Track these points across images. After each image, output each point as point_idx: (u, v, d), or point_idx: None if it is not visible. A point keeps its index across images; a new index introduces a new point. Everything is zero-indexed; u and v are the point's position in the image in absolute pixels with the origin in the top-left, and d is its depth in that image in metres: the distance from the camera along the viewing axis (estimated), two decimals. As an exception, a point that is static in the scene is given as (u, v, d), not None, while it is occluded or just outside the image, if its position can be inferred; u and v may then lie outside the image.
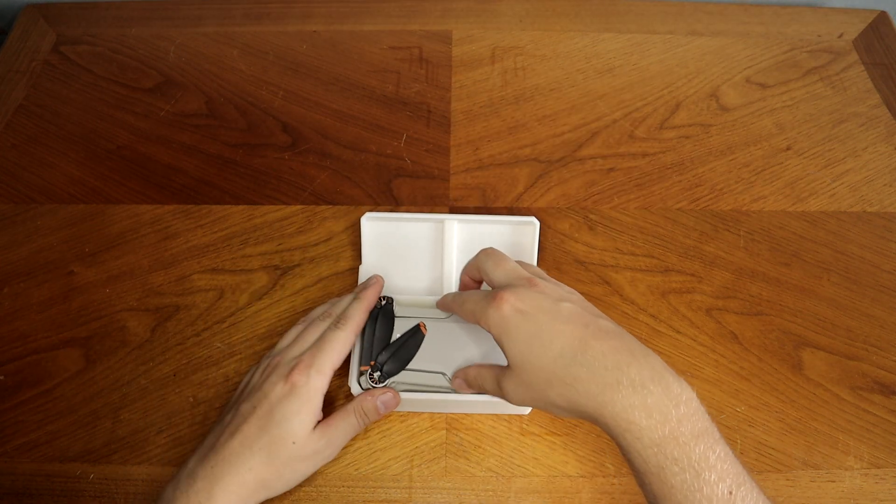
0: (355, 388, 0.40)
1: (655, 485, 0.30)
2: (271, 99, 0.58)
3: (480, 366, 0.39)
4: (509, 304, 0.34)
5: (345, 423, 0.38)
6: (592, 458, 0.42)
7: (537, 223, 0.44)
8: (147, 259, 0.49)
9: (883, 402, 0.44)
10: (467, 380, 0.39)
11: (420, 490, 0.41)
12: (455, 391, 0.41)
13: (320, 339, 0.39)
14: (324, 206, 0.52)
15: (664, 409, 0.30)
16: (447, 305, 0.42)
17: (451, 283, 0.46)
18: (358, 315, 0.40)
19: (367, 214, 0.45)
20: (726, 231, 0.51)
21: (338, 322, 0.40)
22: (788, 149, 0.56)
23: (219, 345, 0.46)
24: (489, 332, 0.36)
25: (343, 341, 0.39)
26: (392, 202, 0.53)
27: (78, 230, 0.51)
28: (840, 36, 0.65)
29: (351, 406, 0.39)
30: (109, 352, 0.45)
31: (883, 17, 0.65)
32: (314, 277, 0.49)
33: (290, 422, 0.36)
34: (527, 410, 0.43)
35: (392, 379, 0.41)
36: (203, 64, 0.61)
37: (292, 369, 0.37)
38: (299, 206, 0.52)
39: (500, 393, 0.37)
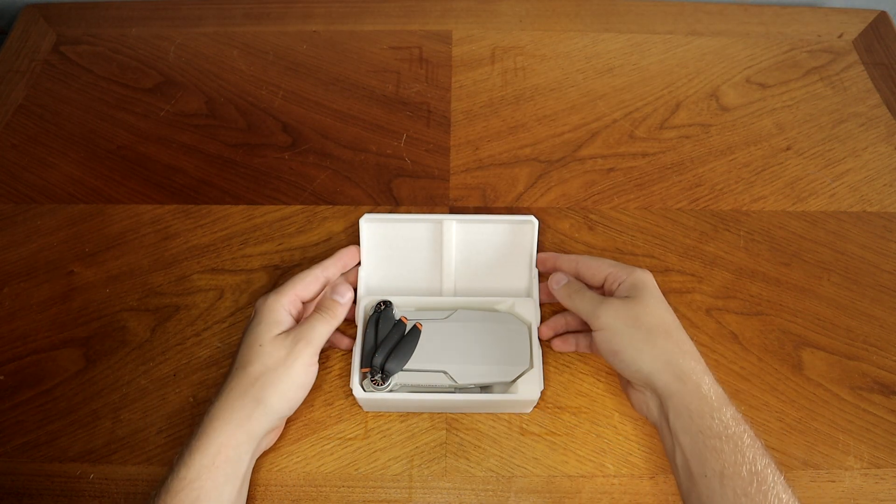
0: (357, 391, 0.40)
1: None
2: (271, 99, 0.58)
3: (580, 283, 0.43)
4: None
5: (309, 321, 0.40)
6: (592, 458, 0.42)
7: (536, 222, 0.44)
8: (147, 259, 0.49)
9: (883, 402, 0.44)
10: (569, 288, 0.42)
11: (420, 490, 0.41)
12: (454, 388, 0.41)
13: None
14: (324, 206, 0.52)
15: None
16: (570, 263, 0.44)
17: (451, 283, 0.46)
18: (326, 261, 0.43)
19: (366, 216, 0.44)
20: (726, 231, 0.51)
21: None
22: (788, 149, 0.56)
23: (219, 345, 0.46)
24: (622, 280, 0.41)
25: (306, 273, 0.42)
26: (392, 202, 0.53)
27: (78, 230, 0.51)
28: (840, 36, 0.65)
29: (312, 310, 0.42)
30: (109, 352, 0.45)
31: (883, 17, 0.65)
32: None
33: (252, 332, 0.39)
34: (529, 409, 0.43)
35: (394, 379, 0.41)
36: (203, 64, 0.61)
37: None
38: (299, 206, 0.52)
39: (591, 314, 0.40)
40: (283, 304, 0.40)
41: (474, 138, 0.56)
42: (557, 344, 0.45)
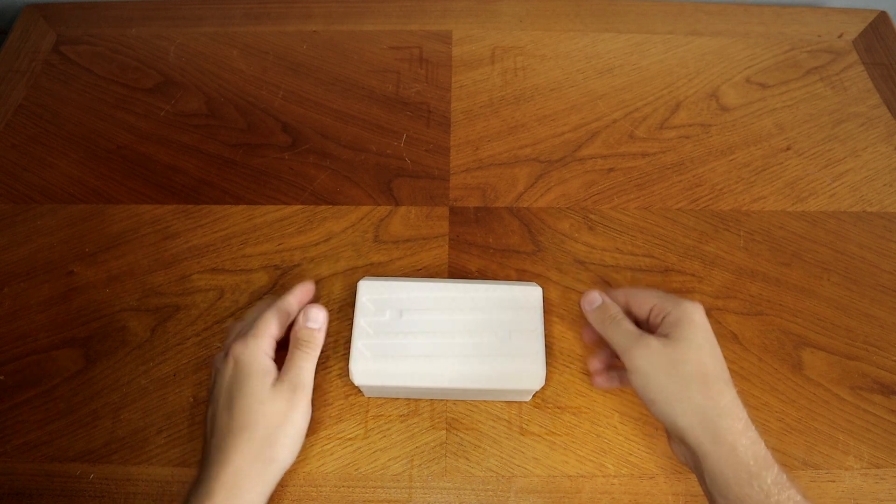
0: (357, 377, 0.40)
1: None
2: (271, 99, 0.58)
3: (618, 309, 0.40)
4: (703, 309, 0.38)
5: (295, 362, 0.38)
6: (592, 458, 0.42)
7: (540, 289, 0.43)
8: (147, 259, 0.49)
9: (883, 402, 0.44)
10: (603, 313, 0.39)
11: (420, 490, 0.41)
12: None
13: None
14: (324, 206, 0.52)
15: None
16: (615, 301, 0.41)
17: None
18: (286, 295, 0.41)
19: (364, 280, 0.43)
20: (726, 231, 0.51)
21: (270, 302, 0.41)
22: (788, 149, 0.56)
23: (219, 345, 0.46)
24: (666, 313, 0.38)
25: (271, 311, 0.40)
26: (392, 202, 0.53)
27: (78, 230, 0.51)
28: (840, 36, 0.65)
29: (290, 345, 0.40)
30: (109, 352, 0.45)
31: (883, 17, 0.65)
32: (314, 277, 0.49)
33: (244, 388, 0.36)
34: (528, 397, 0.43)
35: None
36: (203, 64, 0.61)
37: (230, 346, 0.38)
38: (299, 206, 0.52)
39: (625, 352, 0.37)
40: (263, 350, 0.38)
41: (474, 138, 0.56)
42: (599, 381, 0.43)
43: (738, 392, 0.36)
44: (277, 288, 0.48)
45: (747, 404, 0.44)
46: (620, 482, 0.41)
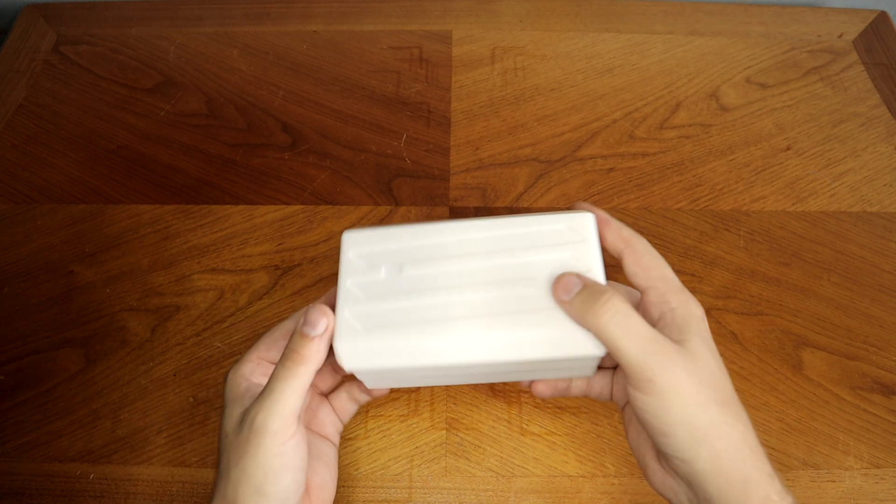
0: (346, 361, 0.31)
1: None
2: (271, 99, 0.58)
3: (615, 292, 0.28)
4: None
5: (268, 384, 0.29)
6: (592, 458, 0.42)
7: (591, 216, 0.32)
8: (147, 259, 0.49)
9: (883, 402, 0.44)
10: (592, 302, 0.28)
11: (420, 490, 0.41)
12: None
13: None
14: (324, 206, 0.52)
15: None
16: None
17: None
18: (298, 313, 0.34)
19: (350, 231, 0.34)
20: (726, 231, 0.51)
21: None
22: (788, 149, 0.56)
23: (219, 345, 0.46)
24: (671, 308, 0.29)
25: (276, 327, 0.34)
26: (392, 202, 0.53)
27: (78, 230, 0.51)
28: (840, 36, 0.65)
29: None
30: (109, 352, 0.45)
31: (883, 17, 0.65)
32: (314, 277, 0.49)
33: (222, 415, 0.31)
34: (590, 370, 0.33)
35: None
36: (203, 64, 0.61)
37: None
38: (299, 206, 0.52)
39: (642, 363, 0.27)
40: (243, 375, 0.32)
41: (474, 138, 0.56)
42: (542, 389, 0.35)
43: (737, 392, 0.30)
44: (277, 288, 0.48)
45: (747, 404, 0.44)
46: (620, 482, 0.41)
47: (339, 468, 0.42)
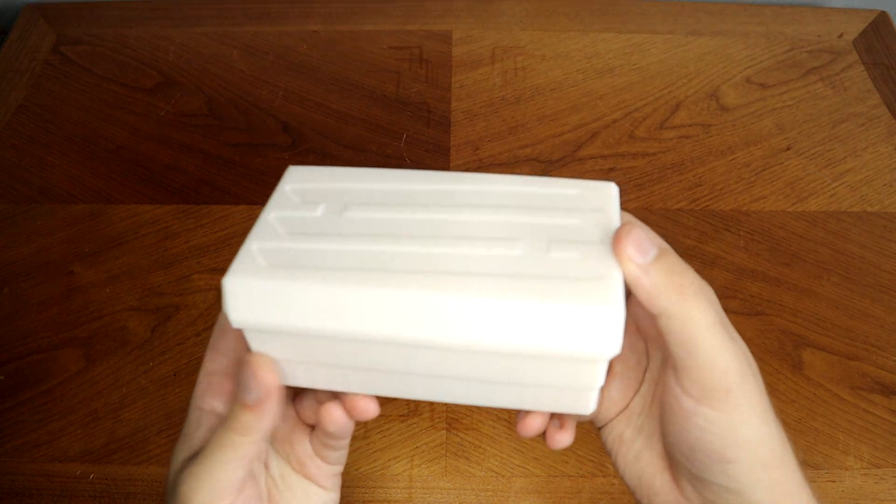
0: (231, 286, 0.21)
1: None
2: (271, 99, 0.58)
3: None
4: None
5: (200, 453, 0.23)
6: (592, 458, 0.42)
7: (615, 187, 0.26)
8: (147, 259, 0.49)
9: (883, 402, 0.44)
10: (675, 268, 0.22)
11: (420, 490, 0.41)
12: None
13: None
14: (324, 206, 0.52)
15: None
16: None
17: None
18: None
19: (297, 167, 0.26)
20: (726, 231, 0.51)
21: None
22: (788, 149, 0.56)
23: (219, 345, 0.46)
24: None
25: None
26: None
27: (78, 230, 0.51)
28: (840, 36, 0.65)
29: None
30: (109, 352, 0.45)
31: (883, 17, 0.65)
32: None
33: None
34: (594, 381, 0.23)
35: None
36: (203, 64, 0.61)
37: None
38: (299, 206, 0.52)
39: (727, 368, 0.21)
40: (195, 403, 0.25)
41: (474, 138, 0.56)
42: (562, 439, 0.28)
43: None
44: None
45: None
46: (620, 482, 0.41)
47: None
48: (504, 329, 0.20)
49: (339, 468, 0.28)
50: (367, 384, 0.24)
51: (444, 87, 0.59)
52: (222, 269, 0.50)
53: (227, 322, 0.23)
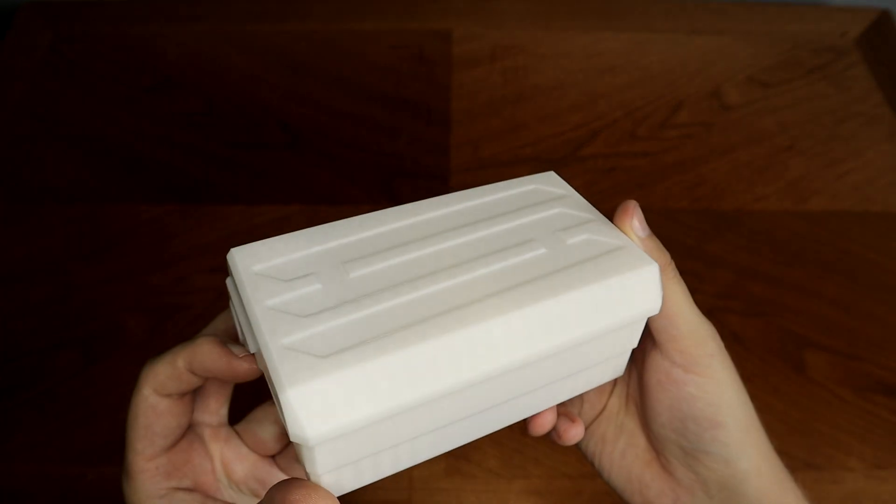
0: (300, 401, 0.18)
1: None
2: (271, 99, 0.58)
3: None
4: None
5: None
6: (593, 459, 0.42)
7: (553, 173, 0.28)
8: (146, 259, 0.49)
9: (886, 403, 0.44)
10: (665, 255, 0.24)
11: (420, 490, 0.41)
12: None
13: None
14: (324, 206, 0.52)
15: None
16: None
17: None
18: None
19: (238, 248, 0.23)
20: (728, 231, 0.51)
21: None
22: (790, 148, 0.56)
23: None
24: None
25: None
26: (392, 202, 0.52)
27: (78, 230, 0.51)
28: (842, 35, 0.64)
29: None
30: (108, 352, 0.45)
31: (885, 15, 0.65)
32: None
33: None
34: (635, 337, 0.25)
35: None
36: (203, 63, 0.61)
37: None
38: (299, 206, 0.52)
39: (698, 340, 0.24)
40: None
41: (475, 138, 0.56)
42: (575, 433, 0.27)
43: None
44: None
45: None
46: (621, 483, 0.41)
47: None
48: (569, 324, 0.21)
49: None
50: (434, 445, 0.22)
51: (445, 87, 0.59)
52: (221, 269, 0.50)
53: (156, 405, 0.23)
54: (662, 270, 0.23)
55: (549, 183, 0.27)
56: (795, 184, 0.54)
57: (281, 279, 0.21)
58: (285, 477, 0.25)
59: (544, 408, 0.25)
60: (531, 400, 0.23)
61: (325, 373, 0.17)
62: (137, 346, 0.45)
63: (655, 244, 0.25)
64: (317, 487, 0.18)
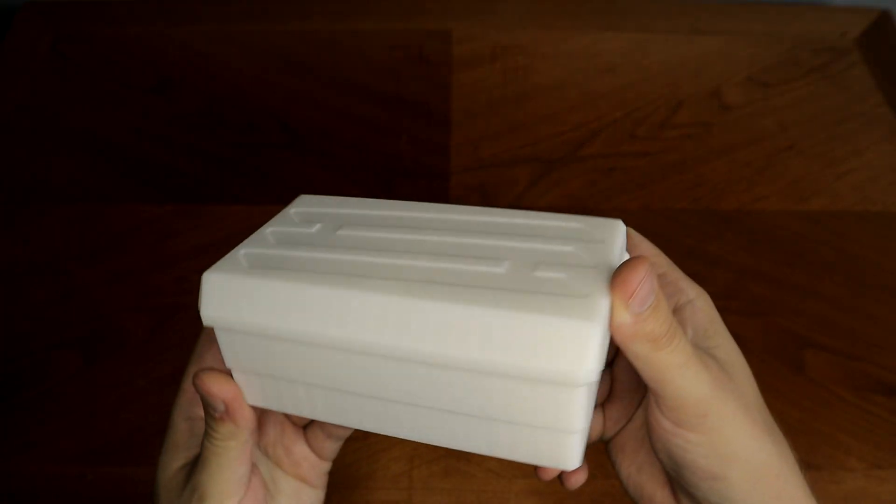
0: (209, 283, 0.22)
1: None
2: (271, 99, 0.58)
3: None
4: None
5: (204, 446, 0.24)
6: (593, 459, 0.42)
7: (622, 226, 0.24)
8: (147, 259, 0.49)
9: (886, 403, 0.44)
10: (666, 325, 0.19)
11: (420, 490, 0.41)
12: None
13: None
14: (324, 206, 0.52)
15: None
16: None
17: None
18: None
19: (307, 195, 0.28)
20: (728, 231, 0.51)
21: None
22: (791, 148, 0.56)
23: (218, 345, 0.46)
24: (690, 300, 0.24)
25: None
26: (392, 202, 0.52)
27: (78, 230, 0.51)
28: (842, 34, 0.64)
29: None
30: (109, 352, 0.45)
31: (885, 15, 0.65)
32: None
33: None
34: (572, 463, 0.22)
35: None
36: (203, 63, 0.61)
37: None
38: (299, 206, 0.52)
39: (697, 400, 0.21)
40: (183, 412, 0.27)
41: (475, 138, 0.56)
42: (578, 479, 0.27)
43: None
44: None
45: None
46: (621, 484, 0.41)
47: (339, 468, 0.41)
48: (472, 338, 0.19)
49: (330, 465, 0.29)
50: (331, 409, 0.23)
51: (445, 87, 0.59)
52: (222, 269, 0.50)
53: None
54: (653, 343, 0.19)
55: (604, 228, 0.24)
56: (795, 184, 0.54)
57: (296, 220, 0.25)
58: (310, 449, 0.28)
59: (475, 448, 0.22)
60: (455, 426, 0.22)
61: (240, 273, 0.21)
62: (138, 346, 0.45)
63: (661, 317, 0.20)
64: (223, 373, 0.23)
